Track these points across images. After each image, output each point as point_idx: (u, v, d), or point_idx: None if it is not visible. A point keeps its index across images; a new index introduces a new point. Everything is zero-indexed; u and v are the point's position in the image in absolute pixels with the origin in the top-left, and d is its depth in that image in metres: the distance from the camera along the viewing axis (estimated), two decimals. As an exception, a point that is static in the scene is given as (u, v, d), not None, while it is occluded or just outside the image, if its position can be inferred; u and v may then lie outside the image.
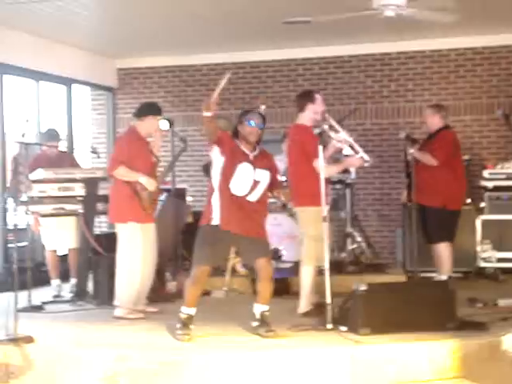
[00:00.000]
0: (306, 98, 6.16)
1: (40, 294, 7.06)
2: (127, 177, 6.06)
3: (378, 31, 8.80)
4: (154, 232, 6.33)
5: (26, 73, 8.81)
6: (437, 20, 6.88)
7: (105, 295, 6.76)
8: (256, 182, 5.32)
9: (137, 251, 6.12)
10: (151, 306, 6.39)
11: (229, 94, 10.17)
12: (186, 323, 5.30)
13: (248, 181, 5.30)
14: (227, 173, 5.30)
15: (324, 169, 5.64)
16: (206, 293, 7.24)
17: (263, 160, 5.42)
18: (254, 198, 5.33)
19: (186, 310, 5.33)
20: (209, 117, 5.15)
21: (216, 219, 5.32)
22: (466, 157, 8.59)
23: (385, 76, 9.79)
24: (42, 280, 7.61)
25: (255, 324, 5.36)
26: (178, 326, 5.30)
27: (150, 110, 6.35)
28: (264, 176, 5.36)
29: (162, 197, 7.97)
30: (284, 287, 7.09)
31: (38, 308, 6.62)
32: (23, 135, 5.78)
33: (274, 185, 5.46)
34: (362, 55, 9.81)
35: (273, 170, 5.48)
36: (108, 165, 6.32)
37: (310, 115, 6.09)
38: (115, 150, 6.38)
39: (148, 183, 6.07)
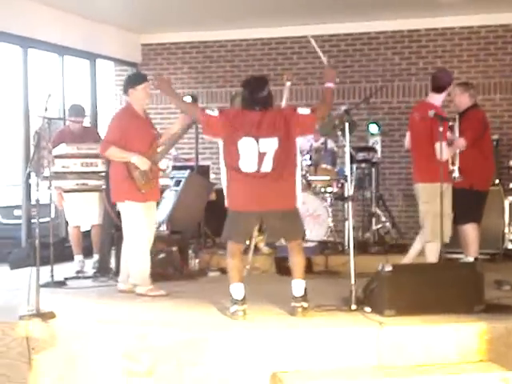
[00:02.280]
0: (448, 79, 6.52)
1: (63, 270, 7.06)
2: (119, 157, 5.92)
3: (407, 7, 8.63)
4: (155, 211, 6.27)
5: (51, 47, 8.78)
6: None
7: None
8: (262, 154, 5.10)
9: (141, 229, 6.02)
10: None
11: (253, 71, 10.07)
12: (237, 300, 5.18)
13: (253, 155, 5.11)
14: (230, 152, 5.17)
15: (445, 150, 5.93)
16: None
17: (273, 119, 5.14)
18: (267, 168, 5.12)
19: (233, 287, 5.22)
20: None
21: (230, 203, 5.26)
22: (495, 136, 8.44)
23: (413, 53, 9.63)
24: (65, 256, 7.63)
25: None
26: (229, 304, 5.20)
27: (130, 82, 6.15)
28: (270, 145, 5.11)
29: (185, 174, 7.94)
30: (307, 266, 7.01)
31: (60, 283, 6.62)
32: (46, 110, 5.73)
33: (310, 118, 5.21)
34: (389, 32, 9.66)
35: (292, 120, 5.16)
36: (100, 146, 6.13)
37: (442, 98, 6.39)
38: (107, 130, 6.18)
39: (140, 163, 5.90)
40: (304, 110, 5.26)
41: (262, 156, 5.11)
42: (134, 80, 6.15)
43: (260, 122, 5.13)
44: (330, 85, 5.45)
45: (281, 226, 5.29)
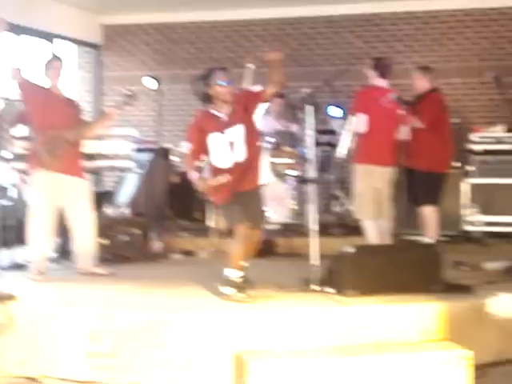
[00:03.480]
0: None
1: (24, 253, 6.99)
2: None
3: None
4: (81, 189, 6.10)
5: (8, 26, 8.58)
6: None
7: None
8: (231, 144, 5.11)
9: (39, 204, 5.94)
10: (101, 268, 6.17)
11: (216, 53, 10.05)
12: (242, 285, 5.12)
13: (225, 149, 5.12)
14: (205, 153, 5.17)
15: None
16: (191, 253, 7.24)
17: (237, 111, 5.13)
18: (240, 157, 5.16)
19: (238, 273, 5.14)
20: None
21: (219, 200, 5.25)
22: (455, 120, 8.54)
23: (374, 37, 9.67)
24: (26, 238, 7.52)
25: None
26: (232, 291, 5.09)
27: (46, 64, 6.19)
28: (236, 132, 5.11)
29: (147, 156, 7.91)
30: (269, 248, 7.06)
31: (21, 266, 6.55)
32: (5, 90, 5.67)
33: (257, 97, 5.15)
34: (351, 15, 9.69)
35: (251, 100, 5.14)
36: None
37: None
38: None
39: None
40: (256, 87, 5.31)
41: (232, 146, 5.11)
42: (48, 61, 6.23)
43: (224, 117, 5.12)
44: (271, 57, 5.33)
45: (246, 209, 5.21)
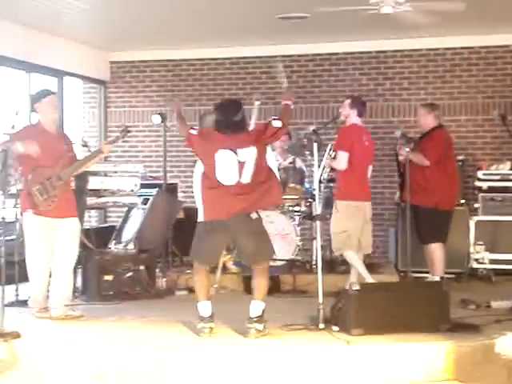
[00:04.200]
0: None
1: (27, 289, 6.96)
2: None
3: (374, 29, 8.73)
4: (71, 229, 5.93)
5: (17, 64, 8.70)
6: (434, 17, 6.83)
7: (93, 291, 6.69)
8: (241, 163, 5.14)
9: (36, 244, 5.81)
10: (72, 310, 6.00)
11: (222, 90, 10.11)
12: (204, 318, 5.19)
13: (232, 167, 5.13)
14: (208, 165, 5.20)
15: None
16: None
17: (248, 134, 5.26)
18: (246, 179, 5.16)
19: (199, 305, 5.23)
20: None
21: (205, 215, 5.24)
22: (460, 157, 8.56)
23: (380, 74, 9.73)
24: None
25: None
26: (197, 321, 5.22)
27: (35, 97, 6.02)
28: (249, 154, 5.15)
29: (153, 192, 7.91)
30: (275, 285, 7.02)
31: (25, 303, 6.51)
32: (13, 127, 5.68)
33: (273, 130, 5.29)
34: (357, 53, 9.75)
35: (262, 131, 5.27)
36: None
37: None
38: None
39: (27, 147, 5.60)
40: (276, 123, 5.32)
41: (241, 165, 5.14)
42: (39, 94, 6.03)
43: (235, 139, 5.18)
44: (288, 102, 5.59)
45: (249, 246, 5.27)
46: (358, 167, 6.59)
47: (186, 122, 5.60)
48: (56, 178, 5.80)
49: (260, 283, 5.27)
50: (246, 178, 5.15)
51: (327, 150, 6.84)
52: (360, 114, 6.76)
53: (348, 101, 6.83)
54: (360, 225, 6.63)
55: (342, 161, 6.53)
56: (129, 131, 6.33)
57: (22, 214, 5.99)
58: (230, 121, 5.21)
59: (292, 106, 5.64)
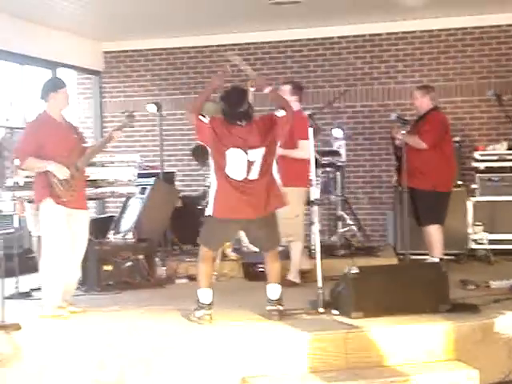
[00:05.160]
0: None
1: (28, 281, 6.98)
2: (37, 168, 5.63)
3: (368, 12, 8.71)
4: (84, 222, 5.84)
5: (10, 56, 8.67)
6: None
7: (93, 281, 6.70)
8: (250, 162, 5.21)
9: (59, 234, 5.58)
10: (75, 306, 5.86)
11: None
12: (204, 305, 5.24)
13: (241, 165, 5.20)
14: (218, 161, 5.24)
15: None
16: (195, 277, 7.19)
17: (258, 130, 5.25)
18: (254, 175, 5.23)
19: (201, 292, 5.27)
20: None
21: (215, 210, 5.26)
22: (456, 138, 8.54)
23: (375, 57, 9.70)
24: (30, 267, 7.50)
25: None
26: (195, 308, 5.25)
27: (52, 86, 5.84)
28: (258, 154, 5.22)
29: (150, 181, 7.91)
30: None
31: (25, 295, 6.54)
32: (7, 120, 5.67)
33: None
34: (351, 36, 9.71)
35: (272, 127, 5.27)
36: (16, 157, 5.77)
37: None
38: (20, 141, 5.78)
39: (58, 171, 5.56)
40: (280, 112, 5.34)
41: (250, 164, 5.21)
42: (57, 83, 5.90)
43: (246, 136, 5.21)
44: (267, 90, 5.55)
45: (260, 236, 5.38)
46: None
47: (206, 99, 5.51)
48: (74, 168, 5.71)
49: (273, 267, 5.40)
50: (254, 175, 5.24)
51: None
52: (300, 100, 6.64)
53: (288, 86, 6.67)
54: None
55: (308, 149, 6.15)
56: (133, 115, 6.22)
57: (36, 204, 5.78)
58: (237, 111, 5.24)
59: (271, 89, 5.55)
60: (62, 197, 5.61)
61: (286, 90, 6.61)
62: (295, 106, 6.41)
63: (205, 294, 5.27)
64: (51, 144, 5.63)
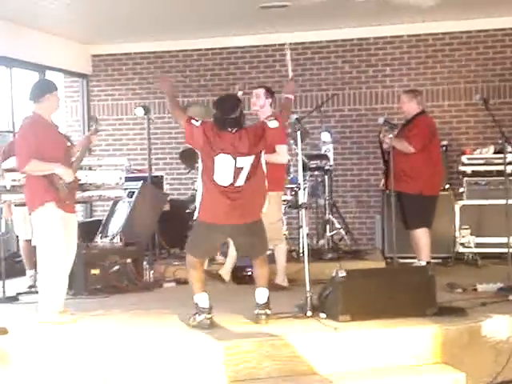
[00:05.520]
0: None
1: (15, 285, 6.95)
2: (42, 170, 5.49)
3: (355, 16, 8.74)
4: (75, 225, 5.76)
5: (-2, 59, 8.64)
6: (414, 3, 6.82)
7: (80, 285, 6.67)
8: (238, 169, 5.20)
9: (59, 239, 5.48)
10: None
11: (205, 81, 10.09)
12: (204, 309, 5.21)
13: (229, 171, 5.19)
14: (206, 165, 5.23)
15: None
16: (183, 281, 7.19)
17: (248, 138, 5.24)
18: (241, 182, 5.22)
19: (196, 297, 5.26)
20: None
21: (201, 215, 5.26)
22: (444, 142, 8.59)
23: (362, 61, 9.74)
24: (17, 270, 7.49)
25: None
26: (193, 312, 5.22)
27: (44, 88, 5.73)
28: (246, 162, 5.21)
29: (138, 185, 7.89)
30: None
31: (12, 299, 6.51)
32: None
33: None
34: (339, 40, 9.76)
35: (263, 137, 5.27)
36: (17, 161, 5.60)
37: None
38: (20, 144, 5.59)
39: (65, 174, 5.50)
40: (273, 123, 5.35)
41: (238, 171, 5.20)
42: (51, 85, 5.79)
43: (235, 143, 5.20)
44: (290, 96, 5.70)
45: (248, 243, 5.38)
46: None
47: (179, 105, 5.60)
48: (74, 170, 5.65)
49: (262, 272, 5.42)
50: (240, 182, 5.23)
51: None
52: (273, 104, 6.58)
53: (262, 90, 6.59)
54: None
55: (286, 153, 6.29)
56: (97, 119, 6.30)
57: (35, 209, 5.55)
58: (228, 118, 5.22)
59: (293, 98, 5.70)
60: (66, 200, 5.54)
61: (260, 93, 6.55)
62: (268, 109, 6.43)
63: (202, 299, 5.24)
64: (49, 146, 5.54)
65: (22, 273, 7.38)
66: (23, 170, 5.56)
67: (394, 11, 7.80)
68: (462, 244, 7.95)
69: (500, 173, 7.56)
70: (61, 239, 5.50)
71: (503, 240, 6.50)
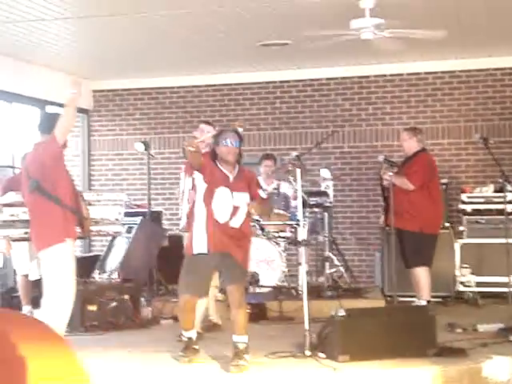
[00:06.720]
0: None
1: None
2: (73, 115, 5.65)
3: (356, 54, 8.79)
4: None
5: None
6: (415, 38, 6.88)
7: (78, 321, 6.59)
8: (235, 208, 5.18)
9: (72, 273, 5.39)
10: None
11: (205, 117, 10.11)
12: (188, 346, 5.28)
13: (227, 206, 5.17)
14: (207, 198, 5.21)
15: None
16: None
17: (242, 180, 5.27)
18: (236, 223, 5.19)
19: (185, 334, 5.32)
20: (192, 151, 5.03)
21: (197, 247, 5.20)
22: (444, 180, 8.59)
23: (362, 99, 9.78)
24: (14, 306, 7.42)
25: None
26: (181, 348, 5.30)
27: (56, 120, 5.67)
28: (242, 200, 5.21)
29: (137, 220, 7.87)
30: (261, 312, 6.97)
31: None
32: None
33: (251, 198, 5.28)
34: (339, 78, 9.80)
35: (252, 185, 5.31)
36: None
37: None
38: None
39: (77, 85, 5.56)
40: (262, 193, 5.37)
41: (235, 210, 5.17)
42: None
43: (232, 179, 5.21)
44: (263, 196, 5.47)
45: (230, 272, 5.23)
46: None
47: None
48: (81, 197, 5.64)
49: (234, 315, 5.20)
50: (236, 224, 5.18)
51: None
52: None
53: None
54: None
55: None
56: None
57: (48, 245, 5.30)
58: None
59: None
60: (87, 229, 5.50)
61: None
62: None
63: (190, 335, 5.32)
64: (65, 177, 5.49)
65: (19, 308, 7.31)
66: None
67: (394, 50, 7.81)
68: (462, 283, 7.89)
69: (500, 211, 7.56)
70: (73, 274, 5.42)
71: (504, 279, 6.47)
